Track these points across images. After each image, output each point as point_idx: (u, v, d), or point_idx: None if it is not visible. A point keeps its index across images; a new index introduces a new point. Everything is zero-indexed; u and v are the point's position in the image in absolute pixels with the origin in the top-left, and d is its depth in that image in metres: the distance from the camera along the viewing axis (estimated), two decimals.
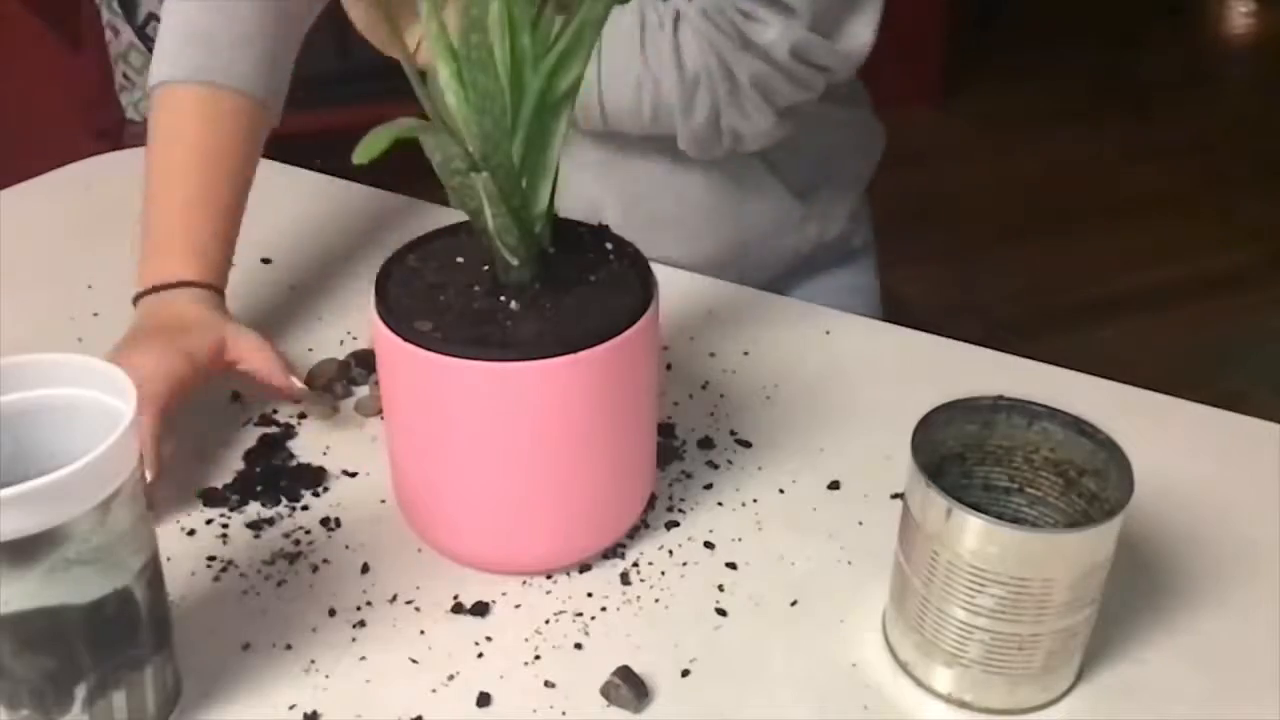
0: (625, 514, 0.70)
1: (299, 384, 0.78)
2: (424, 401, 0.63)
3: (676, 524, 0.73)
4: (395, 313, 0.62)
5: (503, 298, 0.64)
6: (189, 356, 0.74)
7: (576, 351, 0.60)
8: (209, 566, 0.69)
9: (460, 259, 0.68)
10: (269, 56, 0.85)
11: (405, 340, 0.61)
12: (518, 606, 0.67)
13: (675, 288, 0.99)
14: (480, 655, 0.64)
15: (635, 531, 0.72)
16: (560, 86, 0.61)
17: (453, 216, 1.08)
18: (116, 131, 2.19)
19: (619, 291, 0.65)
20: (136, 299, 0.79)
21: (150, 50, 2.10)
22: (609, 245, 0.69)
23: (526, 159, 0.62)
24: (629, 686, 0.61)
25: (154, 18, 2.19)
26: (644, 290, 0.65)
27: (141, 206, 0.82)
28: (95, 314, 0.92)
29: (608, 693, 0.61)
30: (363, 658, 0.64)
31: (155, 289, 0.79)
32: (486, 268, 0.66)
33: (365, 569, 0.69)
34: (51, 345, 0.58)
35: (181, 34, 0.83)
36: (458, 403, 0.62)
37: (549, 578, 0.69)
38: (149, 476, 0.67)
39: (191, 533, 0.71)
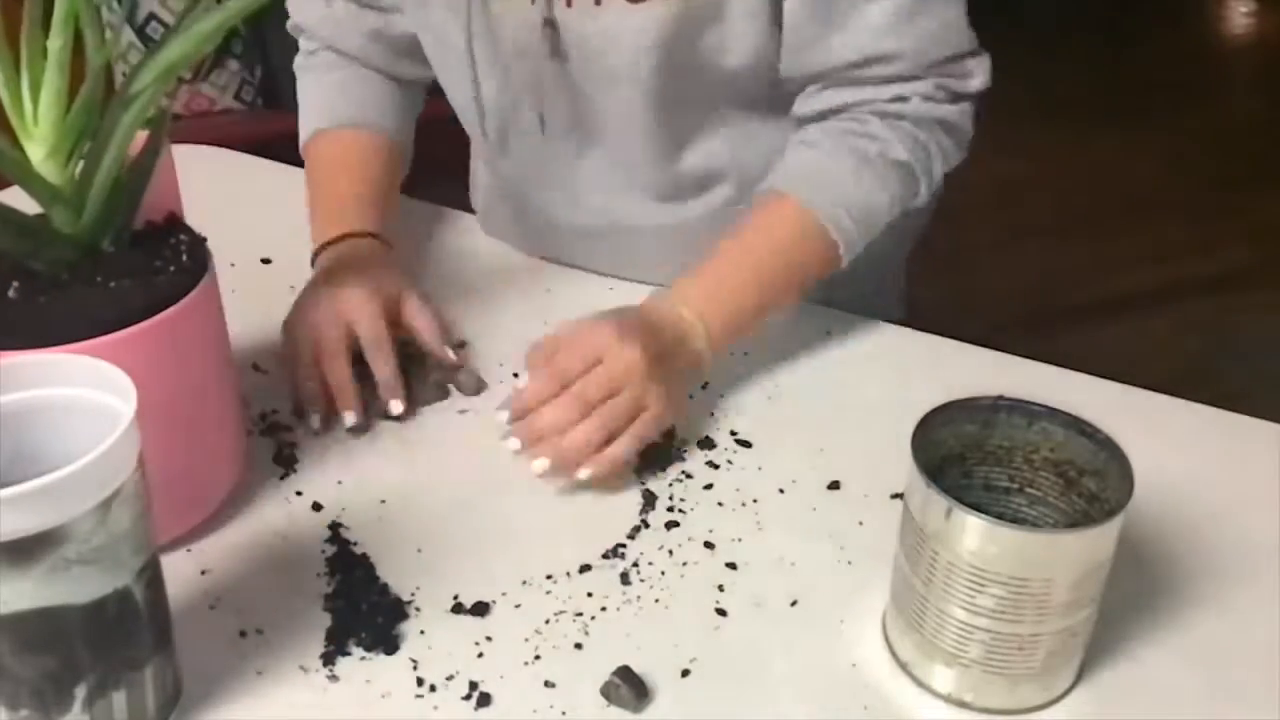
0: (202, 499, 0.71)
1: (452, 354, 0.84)
2: None
3: (676, 524, 0.73)
4: None
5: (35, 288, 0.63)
6: (382, 293, 0.84)
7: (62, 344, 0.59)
8: (209, 569, 0.69)
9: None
10: (400, 115, 1.02)
11: None
12: (518, 606, 0.67)
13: None
14: (480, 655, 0.64)
15: (635, 531, 0.72)
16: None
17: (453, 217, 1.09)
18: None
19: (169, 274, 0.65)
20: (318, 253, 0.89)
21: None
22: (183, 238, 0.69)
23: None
24: (629, 686, 0.61)
25: (154, 18, 2.19)
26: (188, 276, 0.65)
27: (308, 205, 0.95)
28: None
29: (608, 693, 0.61)
30: (363, 657, 0.64)
31: (344, 237, 0.89)
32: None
33: (366, 569, 0.69)
34: None
35: (328, 94, 1.01)
36: None
37: (549, 577, 0.69)
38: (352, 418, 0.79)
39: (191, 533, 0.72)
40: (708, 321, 0.80)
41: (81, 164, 0.63)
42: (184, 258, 0.67)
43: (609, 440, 0.74)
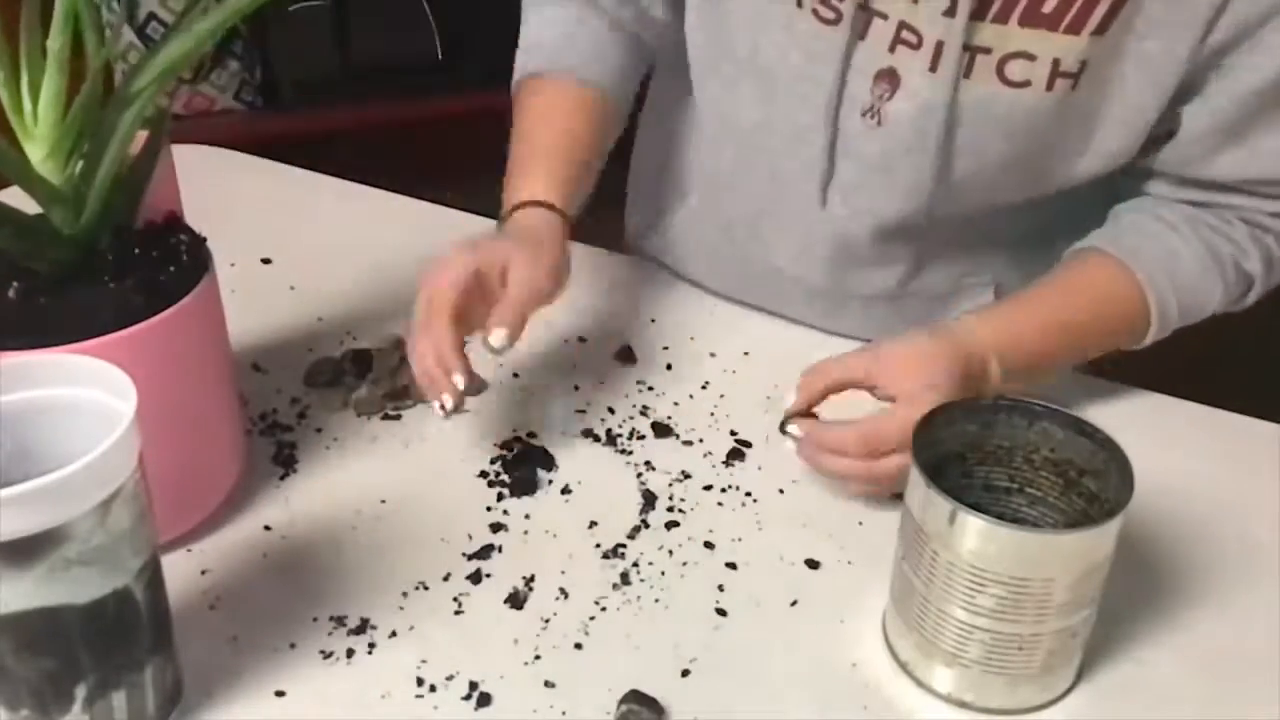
0: (201, 499, 0.70)
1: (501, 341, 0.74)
2: None
3: (676, 524, 0.73)
4: None
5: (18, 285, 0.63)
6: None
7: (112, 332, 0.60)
8: (209, 569, 0.69)
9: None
10: (621, 72, 0.92)
11: None
12: (519, 607, 0.67)
13: (675, 290, 0.99)
14: (480, 655, 0.64)
15: (635, 531, 0.72)
16: None
17: (453, 217, 1.09)
18: None
19: (169, 274, 0.65)
20: (504, 217, 0.83)
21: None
22: (183, 238, 0.68)
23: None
24: (645, 707, 0.60)
25: (154, 18, 2.19)
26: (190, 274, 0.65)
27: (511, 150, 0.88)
28: None
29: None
30: (364, 657, 0.64)
31: (520, 206, 0.82)
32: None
33: (366, 569, 0.69)
34: None
35: (552, 34, 0.91)
36: None
37: (549, 577, 0.69)
38: (458, 389, 0.72)
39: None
40: (1007, 369, 0.76)
41: (81, 164, 0.63)
42: (184, 257, 0.67)
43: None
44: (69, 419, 0.56)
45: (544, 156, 0.86)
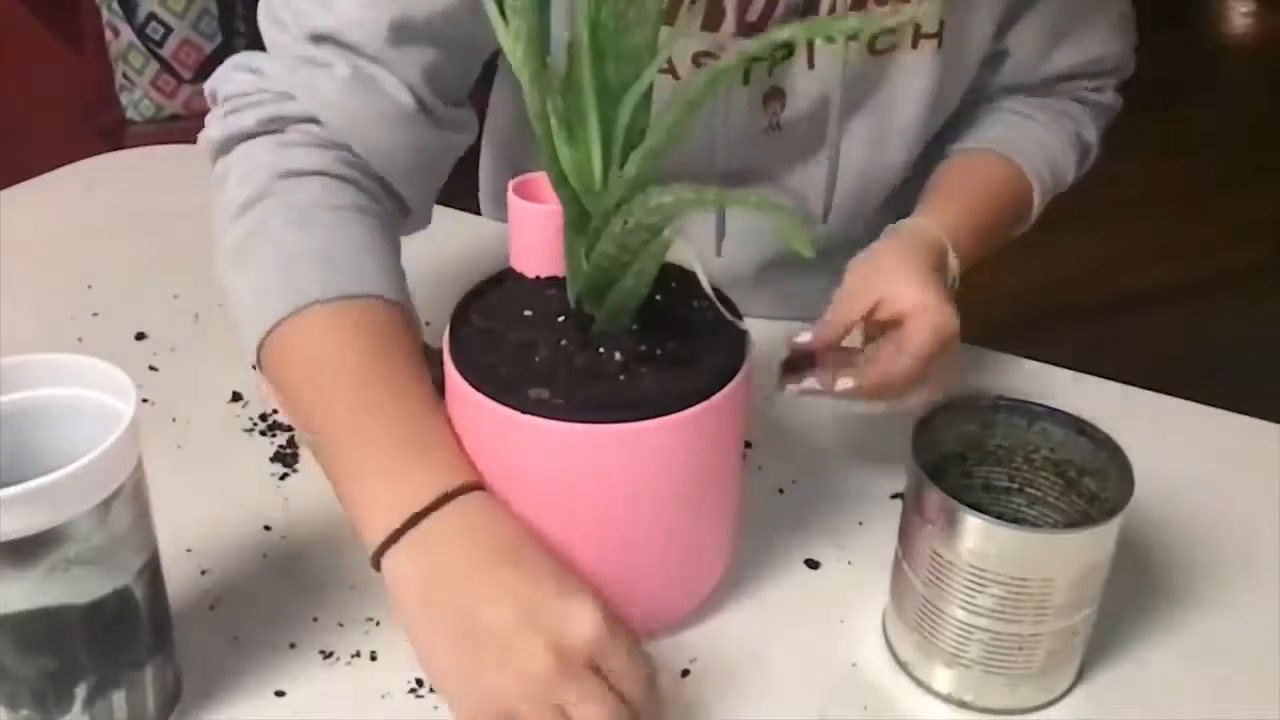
0: (704, 580, 0.67)
1: None
2: (545, 469, 0.58)
3: None
4: (496, 382, 0.58)
5: (601, 350, 0.60)
6: None
7: (700, 401, 0.58)
8: (209, 569, 0.69)
9: (528, 311, 0.63)
10: (390, 264, 0.69)
11: (523, 412, 0.57)
12: None
13: None
14: None
15: None
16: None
17: (452, 217, 1.08)
18: (116, 131, 2.18)
19: (710, 333, 0.62)
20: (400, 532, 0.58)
21: (150, 50, 2.07)
22: (675, 284, 0.65)
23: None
24: None
25: (154, 18, 2.19)
26: (737, 333, 0.62)
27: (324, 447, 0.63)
28: (95, 314, 0.92)
29: None
30: (366, 657, 0.64)
31: (455, 493, 0.58)
32: (562, 319, 0.62)
33: (366, 569, 0.69)
34: (51, 345, 0.58)
35: (286, 262, 0.65)
36: (588, 468, 0.58)
37: None
38: None
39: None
40: (957, 249, 0.79)
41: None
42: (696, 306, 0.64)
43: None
44: (69, 419, 0.56)
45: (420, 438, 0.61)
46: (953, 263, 0.78)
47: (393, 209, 0.74)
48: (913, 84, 0.82)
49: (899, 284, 0.72)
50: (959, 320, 0.71)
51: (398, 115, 0.70)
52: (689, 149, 0.81)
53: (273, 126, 0.70)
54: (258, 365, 0.66)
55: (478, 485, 0.59)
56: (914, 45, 0.81)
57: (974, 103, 0.90)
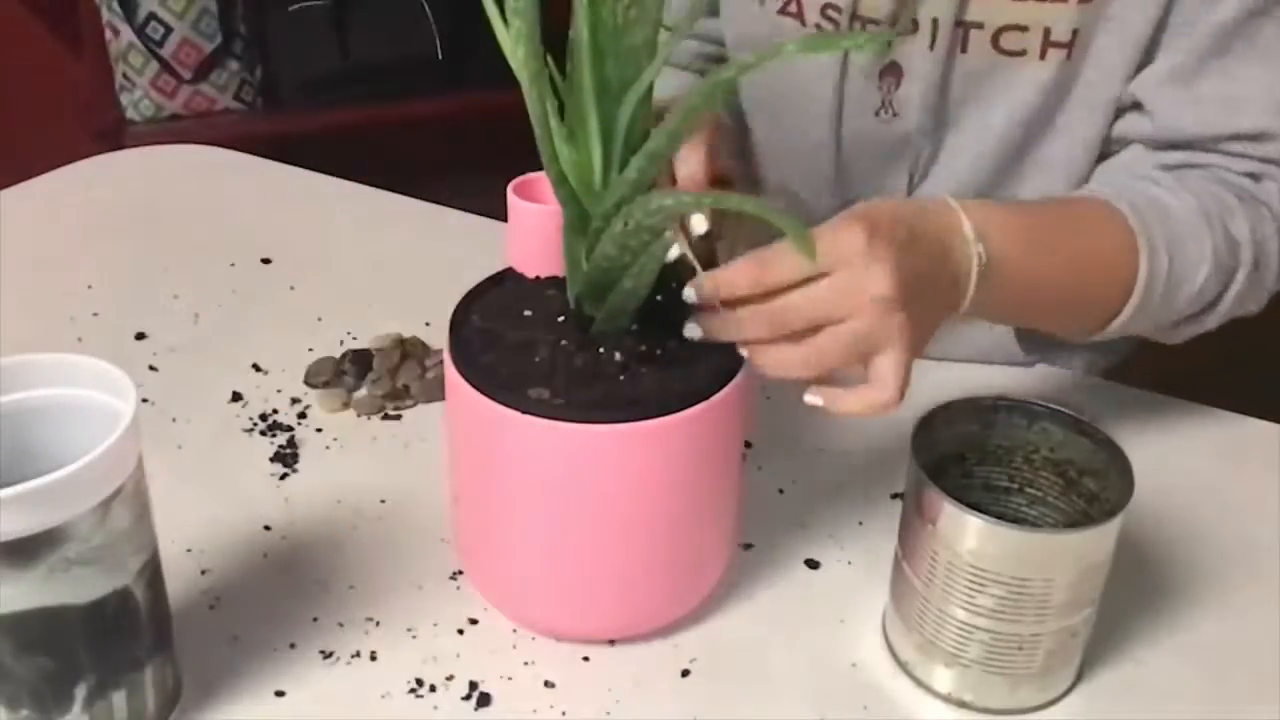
0: (703, 581, 0.66)
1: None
2: (545, 469, 0.59)
3: None
4: (496, 382, 0.58)
5: (601, 350, 0.60)
6: None
7: (700, 401, 0.57)
8: (209, 569, 0.69)
9: (527, 311, 0.63)
10: None
11: (522, 412, 0.57)
12: None
13: None
14: (480, 655, 0.64)
15: None
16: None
17: (452, 217, 1.09)
18: (116, 131, 2.18)
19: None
20: None
21: (150, 50, 2.10)
22: (675, 284, 0.64)
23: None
24: None
25: (154, 18, 2.19)
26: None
27: None
28: (95, 314, 0.92)
29: None
30: (366, 657, 0.64)
31: None
32: (562, 319, 0.62)
33: (366, 569, 0.69)
34: (51, 345, 0.58)
35: None
36: (588, 468, 0.58)
37: None
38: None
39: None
40: (988, 242, 0.63)
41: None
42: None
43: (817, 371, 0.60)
44: (69, 419, 0.56)
45: None
46: (969, 232, 0.63)
47: None
48: (1026, 97, 0.78)
49: (829, 232, 0.60)
50: (876, 291, 0.58)
51: None
52: (799, 125, 0.82)
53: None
54: None
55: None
56: (1042, 56, 0.76)
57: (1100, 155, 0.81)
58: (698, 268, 0.59)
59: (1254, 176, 0.75)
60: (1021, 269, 0.66)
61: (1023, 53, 0.77)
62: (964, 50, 0.78)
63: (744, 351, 0.61)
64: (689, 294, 0.60)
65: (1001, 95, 0.79)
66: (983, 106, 0.80)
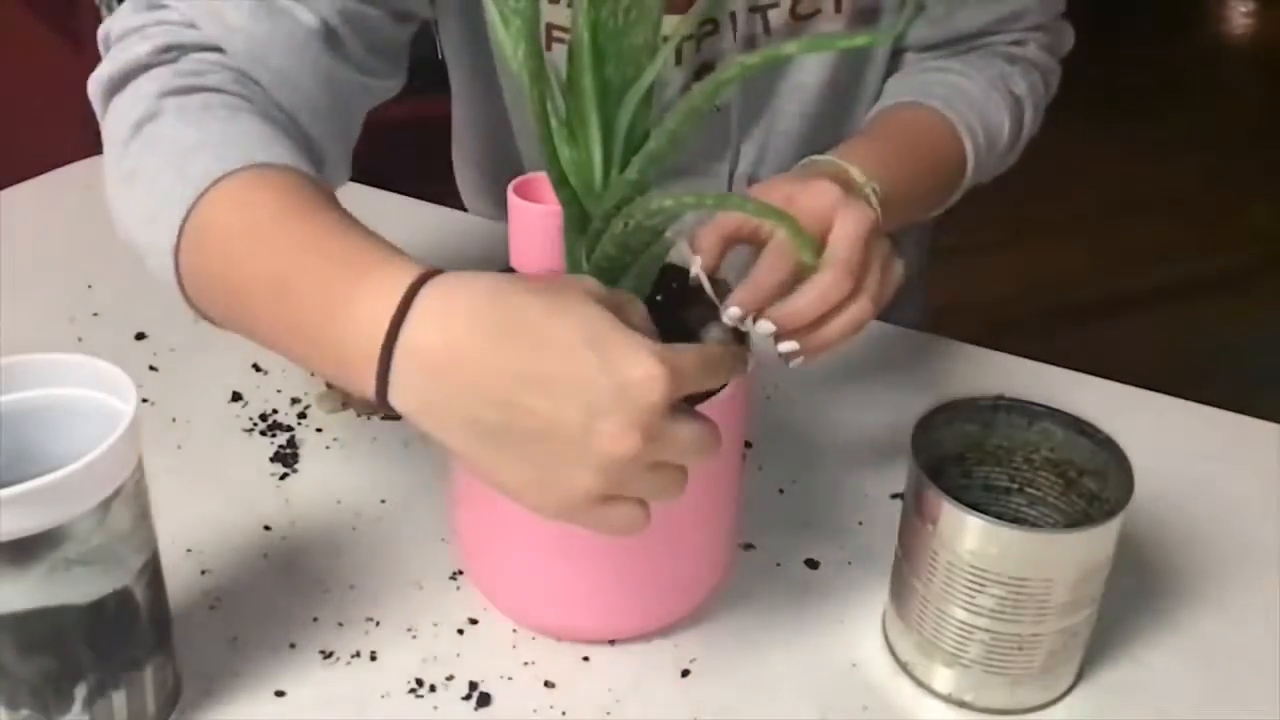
0: (703, 581, 0.66)
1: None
2: None
3: None
4: None
5: None
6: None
7: (700, 401, 0.56)
8: (209, 569, 0.69)
9: None
10: (300, 148, 0.65)
11: None
12: None
13: None
14: (480, 655, 0.64)
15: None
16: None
17: (451, 217, 1.09)
18: None
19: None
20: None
21: None
22: (675, 285, 0.64)
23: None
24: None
25: None
26: (737, 334, 0.62)
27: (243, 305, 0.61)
28: (95, 314, 0.92)
29: None
30: (366, 657, 0.64)
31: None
32: None
33: (366, 569, 0.69)
34: (51, 345, 0.58)
35: (183, 155, 0.61)
36: None
37: None
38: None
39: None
40: (874, 178, 0.70)
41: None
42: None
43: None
44: (69, 419, 0.56)
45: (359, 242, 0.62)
46: (862, 184, 0.69)
47: (303, 149, 0.65)
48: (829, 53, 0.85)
49: (801, 197, 0.63)
50: (873, 213, 0.64)
51: (304, 40, 0.67)
52: None
53: (169, 56, 0.64)
54: (178, 283, 0.60)
55: (432, 272, 0.52)
56: (837, 9, 0.83)
57: (890, 68, 0.91)
58: (701, 275, 0.61)
59: (1019, 43, 0.89)
60: (901, 187, 0.73)
61: (818, 12, 0.83)
62: (767, 33, 0.83)
63: (791, 346, 0.62)
64: (733, 316, 0.61)
65: (808, 57, 0.87)
66: (792, 71, 0.88)
